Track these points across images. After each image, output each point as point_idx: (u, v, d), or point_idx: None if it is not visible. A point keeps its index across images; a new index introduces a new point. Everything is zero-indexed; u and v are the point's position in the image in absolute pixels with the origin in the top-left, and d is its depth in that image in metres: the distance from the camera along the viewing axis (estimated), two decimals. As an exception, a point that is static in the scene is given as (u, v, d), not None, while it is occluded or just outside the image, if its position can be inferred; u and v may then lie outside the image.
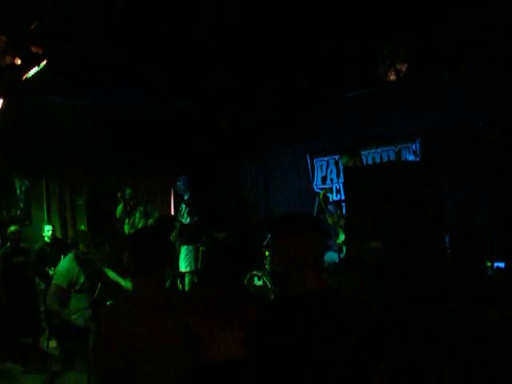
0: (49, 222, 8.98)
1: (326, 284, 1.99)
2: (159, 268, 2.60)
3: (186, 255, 7.92)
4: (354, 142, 7.74)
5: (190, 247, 7.99)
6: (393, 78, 6.14)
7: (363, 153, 7.77)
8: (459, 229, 4.92)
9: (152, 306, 2.48)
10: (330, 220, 6.24)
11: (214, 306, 2.63)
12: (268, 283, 7.11)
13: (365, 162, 7.73)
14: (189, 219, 8.04)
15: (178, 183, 8.35)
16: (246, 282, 7.06)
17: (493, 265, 5.10)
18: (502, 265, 5.13)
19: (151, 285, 2.54)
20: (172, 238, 8.73)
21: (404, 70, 6.04)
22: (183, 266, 7.92)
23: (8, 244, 7.46)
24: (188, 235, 8.07)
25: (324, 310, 1.89)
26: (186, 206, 8.15)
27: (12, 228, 7.59)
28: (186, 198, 8.25)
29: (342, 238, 6.03)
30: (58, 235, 9.25)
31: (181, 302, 2.65)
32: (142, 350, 2.41)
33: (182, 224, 8.12)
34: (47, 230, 8.39)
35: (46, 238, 8.19)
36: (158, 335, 2.43)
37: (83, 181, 9.73)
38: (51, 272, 7.08)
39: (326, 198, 6.40)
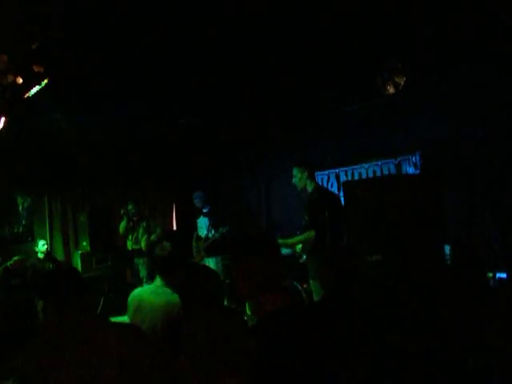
0: (51, 239, 9.01)
1: (287, 302, 1.96)
2: (83, 299, 2.50)
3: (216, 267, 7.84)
4: (354, 155, 7.78)
5: (218, 259, 7.99)
6: (391, 91, 6.18)
7: (364, 166, 7.80)
8: (460, 240, 4.93)
9: (81, 337, 2.33)
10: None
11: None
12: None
13: (365, 175, 7.77)
14: (214, 231, 8.04)
15: (196, 200, 8.34)
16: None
17: (495, 276, 5.10)
18: (503, 276, 5.11)
19: (81, 314, 2.43)
20: (152, 238, 8.75)
21: (402, 83, 6.07)
22: None
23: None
24: (214, 247, 8.07)
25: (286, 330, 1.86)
26: (210, 219, 8.18)
27: (15, 258, 7.57)
28: (205, 210, 8.28)
29: None
30: (60, 252, 9.29)
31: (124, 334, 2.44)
32: None
33: (206, 238, 8.11)
34: (42, 245, 8.39)
35: (39, 254, 8.15)
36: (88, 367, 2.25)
37: (85, 197, 9.77)
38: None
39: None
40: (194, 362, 2.03)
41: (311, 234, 5.47)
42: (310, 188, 5.78)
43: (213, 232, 8.06)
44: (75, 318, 2.42)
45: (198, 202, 8.29)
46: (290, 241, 5.87)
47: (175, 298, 3.33)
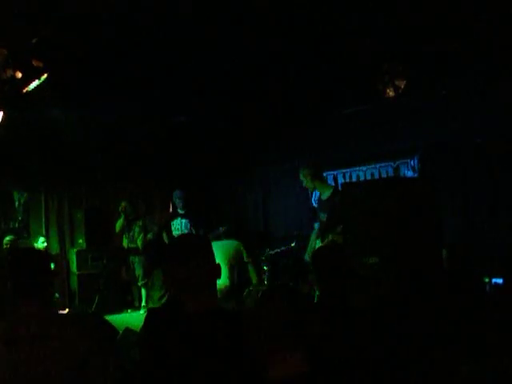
0: (47, 235, 8.98)
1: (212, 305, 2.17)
2: (42, 288, 2.42)
3: None
4: (352, 157, 7.78)
5: None
6: (391, 94, 6.18)
7: (362, 168, 7.80)
8: (457, 244, 4.93)
9: (34, 330, 2.25)
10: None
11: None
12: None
13: (363, 178, 7.77)
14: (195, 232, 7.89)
15: (177, 200, 8.15)
16: (244, 297, 7.02)
17: (491, 281, 5.09)
18: (500, 281, 5.11)
19: (34, 306, 2.35)
20: (149, 236, 8.75)
21: (402, 86, 6.07)
22: None
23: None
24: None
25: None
26: (190, 220, 8.02)
27: (7, 238, 7.59)
28: (183, 212, 8.12)
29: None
30: (56, 248, 9.26)
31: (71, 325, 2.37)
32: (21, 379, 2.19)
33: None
34: (42, 242, 8.37)
35: None
36: (41, 362, 2.21)
37: (82, 194, 9.73)
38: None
39: None
40: (261, 337, 2.06)
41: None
42: (325, 191, 5.84)
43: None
44: (32, 307, 2.36)
45: (179, 202, 8.08)
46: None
47: None
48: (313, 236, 6.05)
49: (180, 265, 2.18)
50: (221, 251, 6.41)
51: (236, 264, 6.68)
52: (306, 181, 5.93)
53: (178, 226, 8.05)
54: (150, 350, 2.11)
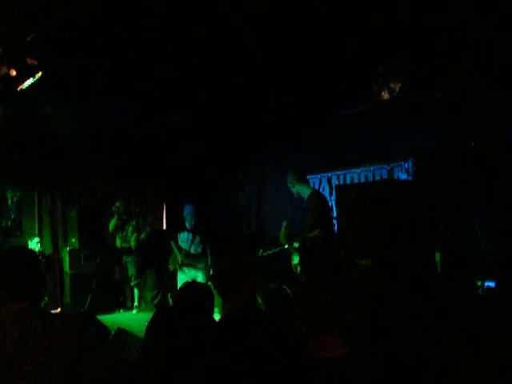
0: (40, 234, 8.94)
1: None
2: (33, 287, 2.41)
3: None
4: (347, 160, 7.80)
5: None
6: (386, 96, 6.20)
7: (356, 171, 7.82)
8: (450, 247, 4.94)
9: (23, 329, 2.26)
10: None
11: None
12: (258, 300, 7.06)
13: (357, 180, 7.79)
14: (199, 249, 7.94)
15: (188, 216, 7.96)
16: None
17: (483, 284, 5.11)
18: (492, 284, 5.13)
19: (24, 305, 2.35)
20: (142, 236, 8.75)
21: (397, 89, 6.09)
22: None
23: None
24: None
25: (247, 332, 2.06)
26: (195, 236, 7.98)
27: None
28: (189, 227, 8.00)
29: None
30: (49, 247, 9.22)
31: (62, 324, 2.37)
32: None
33: (187, 253, 7.92)
34: (36, 242, 8.33)
35: None
36: (30, 360, 2.20)
37: (76, 193, 9.70)
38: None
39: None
40: (304, 320, 2.17)
41: (316, 232, 5.75)
42: (304, 194, 6.17)
43: (194, 248, 7.91)
44: (22, 306, 2.35)
45: (190, 219, 7.94)
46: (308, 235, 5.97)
47: None
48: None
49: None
50: None
51: None
52: (292, 186, 6.32)
53: (185, 240, 8.00)
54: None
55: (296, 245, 6.04)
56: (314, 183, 8.39)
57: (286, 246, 6.76)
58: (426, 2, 4.75)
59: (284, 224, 6.36)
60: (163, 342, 2.68)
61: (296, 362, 2.05)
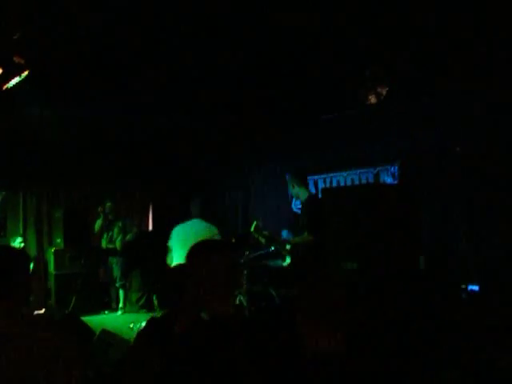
0: (24, 234, 8.87)
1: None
2: (17, 288, 2.36)
3: None
4: (333, 163, 7.82)
5: None
6: (373, 100, 6.23)
7: (342, 174, 7.85)
8: (434, 251, 4.97)
9: (4, 329, 2.22)
10: (273, 245, 6.47)
11: None
12: (244, 302, 7.06)
13: (343, 183, 7.82)
14: None
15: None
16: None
17: (467, 287, 5.15)
18: (476, 288, 5.18)
19: (7, 306, 2.30)
20: (128, 237, 8.73)
21: (384, 93, 6.13)
22: None
23: None
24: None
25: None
26: None
27: None
28: None
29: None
30: (33, 248, 9.15)
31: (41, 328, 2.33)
32: None
33: None
34: (19, 242, 8.27)
35: None
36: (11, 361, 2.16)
37: (61, 193, 9.64)
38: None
39: (257, 228, 6.50)
40: (307, 316, 2.21)
41: (307, 237, 5.67)
42: (302, 197, 6.07)
43: None
44: (5, 307, 2.31)
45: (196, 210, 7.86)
46: (293, 240, 6.05)
47: None
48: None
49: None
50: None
51: None
52: (292, 188, 6.18)
53: None
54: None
55: (288, 247, 6.03)
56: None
57: (273, 248, 6.77)
58: (414, 5, 4.79)
59: (255, 223, 6.34)
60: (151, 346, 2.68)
61: (277, 366, 2.08)
